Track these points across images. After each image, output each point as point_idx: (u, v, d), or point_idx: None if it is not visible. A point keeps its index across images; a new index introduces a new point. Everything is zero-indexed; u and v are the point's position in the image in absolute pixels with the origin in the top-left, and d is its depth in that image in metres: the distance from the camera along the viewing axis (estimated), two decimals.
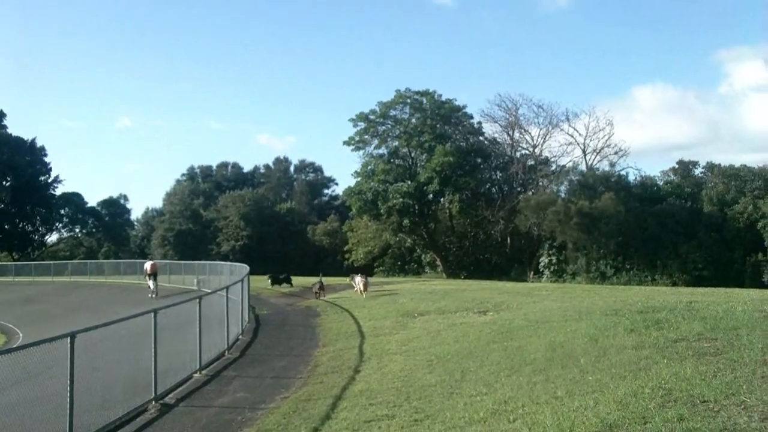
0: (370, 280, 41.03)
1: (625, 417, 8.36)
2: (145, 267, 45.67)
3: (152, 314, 14.49)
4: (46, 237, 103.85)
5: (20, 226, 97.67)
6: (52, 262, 70.30)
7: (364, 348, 19.64)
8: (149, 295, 41.78)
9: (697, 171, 79.72)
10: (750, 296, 22.13)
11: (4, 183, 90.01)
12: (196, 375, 16.99)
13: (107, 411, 12.77)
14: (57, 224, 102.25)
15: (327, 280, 48.23)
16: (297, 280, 46.28)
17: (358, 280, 36.80)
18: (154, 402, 14.15)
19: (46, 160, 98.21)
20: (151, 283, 43.03)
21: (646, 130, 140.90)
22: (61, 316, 37.08)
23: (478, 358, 14.98)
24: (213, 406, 13.94)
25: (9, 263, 76.21)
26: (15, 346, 13.79)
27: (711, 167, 78.34)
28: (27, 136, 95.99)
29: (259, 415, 12.86)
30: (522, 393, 11.15)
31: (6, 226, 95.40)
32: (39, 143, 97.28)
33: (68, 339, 11.27)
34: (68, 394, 11.13)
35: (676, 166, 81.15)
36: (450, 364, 15.06)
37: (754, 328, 13.27)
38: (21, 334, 32.89)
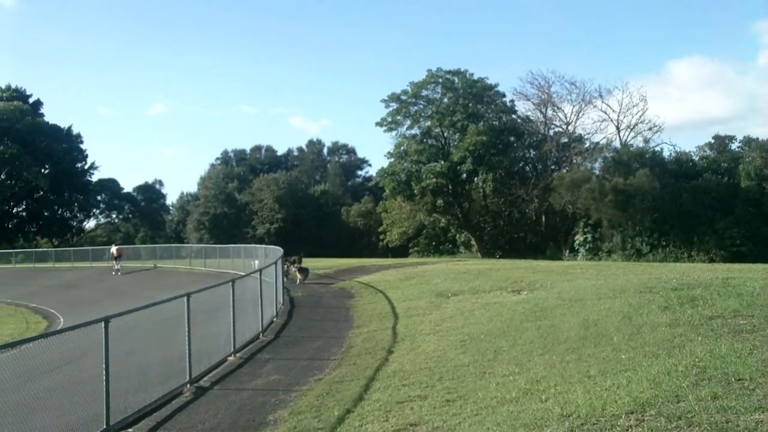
0: (391, 261, 41.50)
1: (657, 395, 8.30)
2: (111, 251, 54.78)
3: (185, 298, 14.61)
4: (84, 223, 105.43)
5: (59, 212, 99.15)
6: (90, 247, 71.28)
7: (398, 329, 19.66)
8: (113, 273, 51.29)
9: (734, 145, 78.69)
10: None
11: (42, 170, 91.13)
12: (231, 358, 17.12)
13: (143, 394, 12.93)
14: (94, 210, 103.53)
15: (363, 262, 48.46)
16: (329, 262, 46.54)
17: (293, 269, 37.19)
18: (189, 385, 14.29)
19: (83, 147, 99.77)
20: (115, 264, 52.14)
21: (682, 104, 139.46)
22: (100, 301, 37.60)
23: (511, 338, 14.95)
24: (247, 389, 14.05)
25: (49, 249, 77.51)
26: (52, 330, 14.00)
27: (748, 141, 77.21)
28: (63, 124, 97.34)
29: (292, 397, 12.94)
30: (554, 372, 11.12)
31: (45, 213, 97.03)
32: (75, 131, 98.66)
33: (102, 323, 11.42)
34: (104, 378, 11.28)
35: (712, 141, 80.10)
36: (483, 343, 15.04)
37: None
38: (62, 319, 33.53)
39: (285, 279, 33.98)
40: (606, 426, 7.63)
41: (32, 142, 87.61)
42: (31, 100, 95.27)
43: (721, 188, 61.71)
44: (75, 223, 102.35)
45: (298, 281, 35.42)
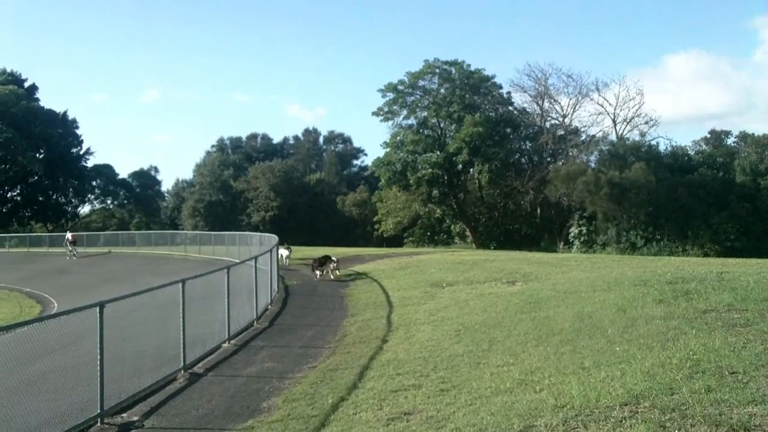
0: (386, 250, 40.51)
1: (651, 388, 8.32)
2: (67, 237, 58.12)
3: (180, 284, 14.58)
4: (79, 208, 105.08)
5: (54, 197, 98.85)
6: (85, 233, 71.03)
7: (392, 318, 19.69)
8: (67, 257, 54.79)
9: (730, 140, 78.91)
10: None
11: (37, 155, 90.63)
12: (225, 345, 17.14)
13: (137, 379, 12.93)
14: (89, 196, 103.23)
15: (358, 251, 48.46)
16: (324, 251, 46.45)
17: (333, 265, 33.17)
18: (183, 371, 14.30)
19: (78, 132, 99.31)
20: (69, 249, 55.96)
21: (678, 99, 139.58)
22: (94, 286, 37.53)
23: (506, 328, 14.96)
24: (241, 376, 14.06)
25: (43, 234, 77.18)
26: (47, 315, 13.98)
27: (744, 137, 77.46)
28: (59, 109, 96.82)
29: (286, 385, 12.96)
30: (549, 363, 11.13)
31: (40, 198, 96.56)
32: (70, 116, 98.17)
33: (97, 308, 11.40)
34: (98, 363, 11.27)
35: (708, 135, 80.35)
36: (477, 334, 15.06)
37: None
38: (56, 304, 33.45)
39: (319, 274, 31.95)
40: (600, 417, 7.64)
41: (27, 126, 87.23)
42: (26, 85, 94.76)
43: (717, 183, 61.83)
44: (70, 209, 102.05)
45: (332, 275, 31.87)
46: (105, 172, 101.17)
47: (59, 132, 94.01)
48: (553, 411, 8.21)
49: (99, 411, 11.21)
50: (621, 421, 7.39)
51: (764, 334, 10.50)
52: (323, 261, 32.76)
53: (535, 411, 8.37)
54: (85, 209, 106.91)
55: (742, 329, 11.10)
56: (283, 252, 37.56)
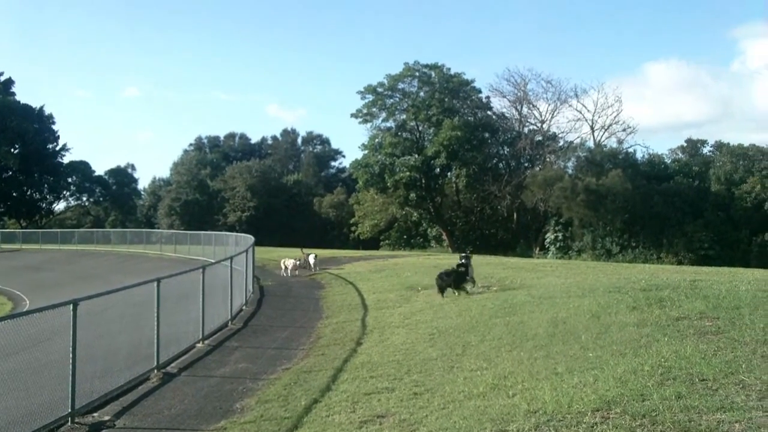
0: (362, 253, 40.99)
1: (623, 394, 8.37)
2: None
3: (155, 283, 14.50)
4: (54, 205, 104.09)
5: (28, 193, 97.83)
6: (59, 230, 70.58)
7: (367, 321, 19.67)
8: None
9: (706, 149, 79.62)
10: (754, 276, 21.98)
11: (12, 150, 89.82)
12: (199, 345, 17.07)
13: (109, 378, 12.84)
14: (64, 192, 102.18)
15: (334, 253, 48.40)
16: (300, 252, 46.37)
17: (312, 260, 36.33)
18: (156, 371, 14.21)
19: (54, 128, 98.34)
20: None
21: (657, 107, 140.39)
22: (68, 284, 37.27)
23: (480, 333, 14.99)
24: (214, 376, 14.01)
25: (17, 230, 76.57)
26: (18, 312, 13.86)
27: (719, 146, 78.22)
28: (35, 104, 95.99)
29: (260, 386, 12.92)
30: (522, 368, 11.17)
31: (14, 194, 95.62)
32: (47, 111, 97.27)
33: (71, 306, 11.30)
34: (71, 362, 11.17)
35: (685, 144, 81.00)
36: (451, 338, 15.07)
37: (757, 307, 13.24)
38: (27, 301, 33.13)
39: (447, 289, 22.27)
40: (572, 423, 7.68)
41: (2, 120, 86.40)
42: (2, 79, 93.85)
43: (692, 192, 62.45)
44: (44, 205, 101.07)
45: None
46: (81, 168, 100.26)
47: (35, 127, 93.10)
48: (525, 416, 8.24)
49: (70, 410, 11.12)
50: (592, 427, 7.44)
51: (734, 342, 10.60)
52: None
53: (508, 416, 8.40)
54: (59, 206, 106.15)
55: (713, 337, 11.20)
56: (311, 259, 36.45)
